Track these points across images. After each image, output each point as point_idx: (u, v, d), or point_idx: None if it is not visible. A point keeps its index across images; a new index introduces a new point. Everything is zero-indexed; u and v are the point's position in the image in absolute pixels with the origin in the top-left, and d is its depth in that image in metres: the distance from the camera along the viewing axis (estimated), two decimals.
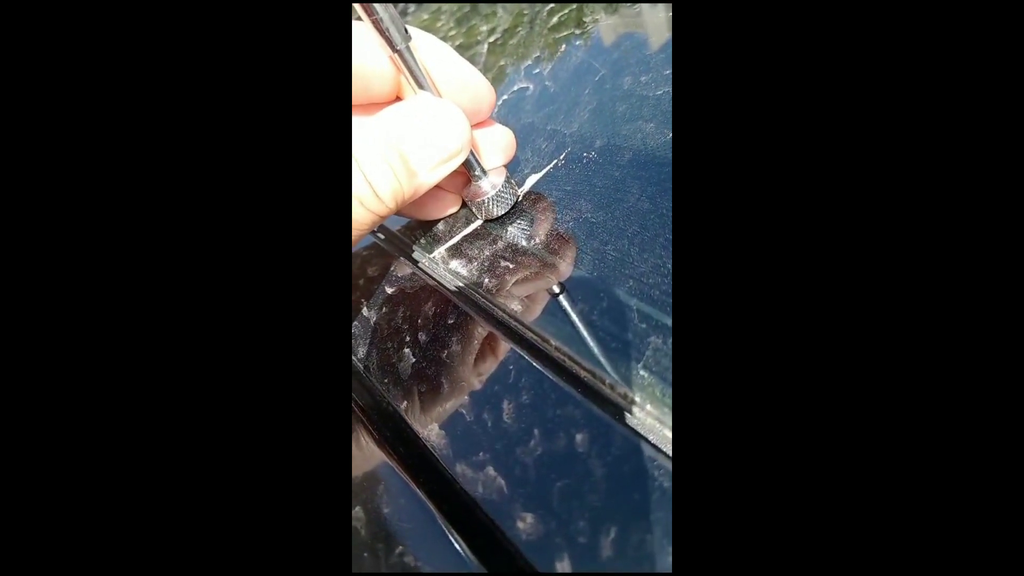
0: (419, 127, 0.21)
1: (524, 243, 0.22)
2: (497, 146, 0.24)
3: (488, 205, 0.23)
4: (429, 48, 0.21)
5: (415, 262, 0.25)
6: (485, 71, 0.35)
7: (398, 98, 0.22)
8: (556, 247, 0.21)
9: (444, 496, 0.17)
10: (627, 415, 0.16)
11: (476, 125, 0.23)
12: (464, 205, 0.25)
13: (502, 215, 0.23)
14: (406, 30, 0.20)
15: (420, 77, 0.21)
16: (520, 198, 0.24)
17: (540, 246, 0.22)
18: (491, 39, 0.38)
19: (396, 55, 0.20)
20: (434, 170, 0.21)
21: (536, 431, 0.17)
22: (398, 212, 0.21)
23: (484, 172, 0.23)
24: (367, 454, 0.20)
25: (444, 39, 0.44)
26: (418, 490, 0.18)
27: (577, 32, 0.32)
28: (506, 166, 0.24)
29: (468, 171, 0.23)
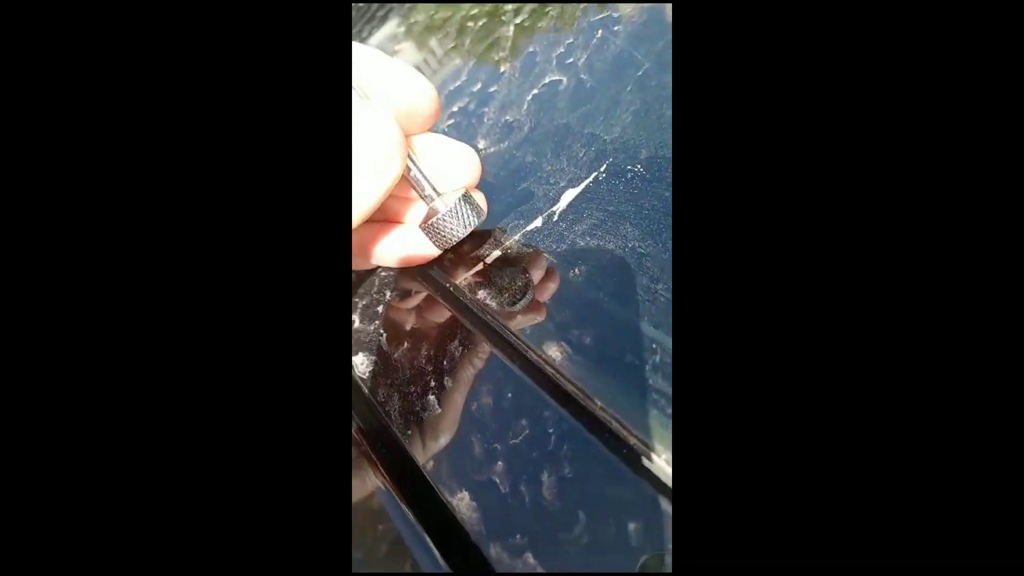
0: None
1: (561, 273, 0.20)
2: (455, 162, 0.20)
3: (439, 227, 0.20)
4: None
5: (438, 288, 0.22)
6: (511, 57, 0.32)
7: None
8: (599, 280, 0.19)
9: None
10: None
11: (420, 136, 0.20)
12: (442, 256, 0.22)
13: (458, 239, 0.21)
14: None
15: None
16: (556, 216, 0.21)
17: (580, 278, 0.19)
18: (517, 20, 0.35)
19: None
20: (363, 186, 0.17)
21: (581, 512, 0.15)
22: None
23: (437, 193, 0.20)
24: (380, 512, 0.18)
25: (465, 17, 0.40)
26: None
27: (615, 15, 0.29)
28: (479, 189, 0.22)
29: (419, 193, 0.20)
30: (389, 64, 0.19)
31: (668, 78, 0.23)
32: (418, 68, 0.42)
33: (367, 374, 0.22)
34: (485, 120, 0.28)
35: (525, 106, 0.27)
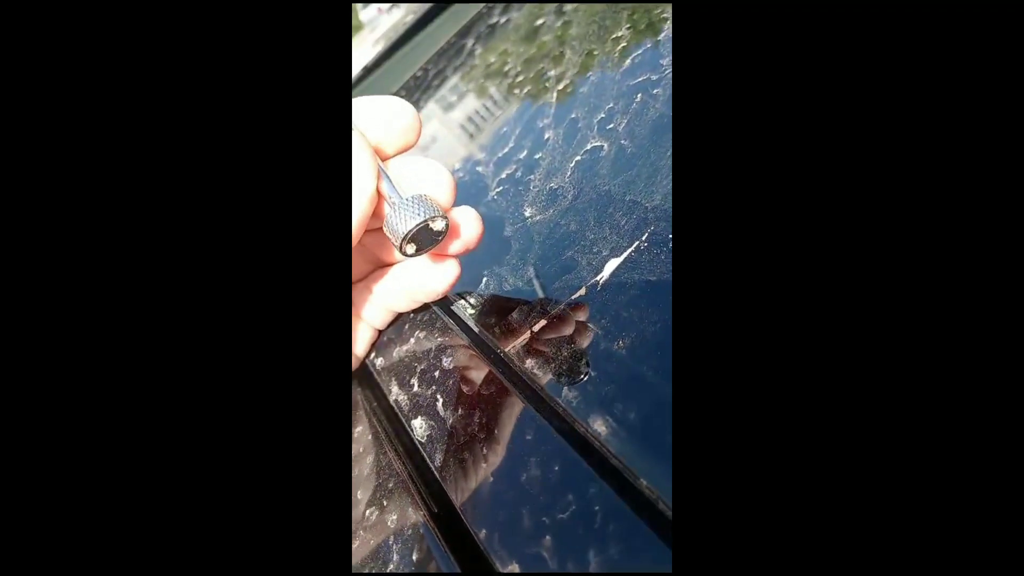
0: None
1: (606, 345, 0.20)
2: (424, 175, 0.22)
3: (391, 221, 0.21)
4: None
5: (489, 356, 0.24)
6: (555, 124, 0.33)
7: None
8: (643, 354, 0.19)
9: None
10: None
11: (398, 157, 0.22)
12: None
13: (406, 232, 0.21)
14: None
15: None
16: (599, 287, 0.22)
17: (624, 351, 0.20)
18: (560, 86, 0.37)
19: None
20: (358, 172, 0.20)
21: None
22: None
23: (402, 198, 0.21)
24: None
25: (512, 84, 0.43)
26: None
27: (653, 78, 0.30)
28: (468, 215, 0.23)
29: (387, 204, 0.22)
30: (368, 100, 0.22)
31: None
32: (465, 133, 0.45)
33: (425, 438, 0.23)
34: (531, 188, 0.30)
35: (568, 173, 0.29)
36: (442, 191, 0.22)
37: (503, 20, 0.57)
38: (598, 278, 0.22)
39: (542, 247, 0.26)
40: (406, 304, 0.26)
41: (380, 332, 0.29)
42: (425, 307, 0.28)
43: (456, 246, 0.24)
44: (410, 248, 0.22)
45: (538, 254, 0.26)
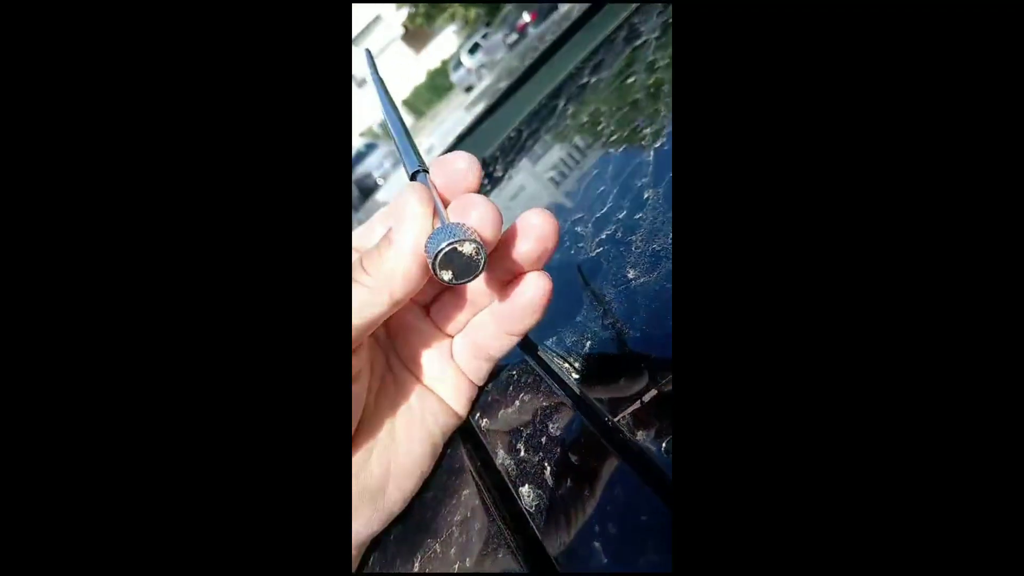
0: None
1: None
2: (470, 211, 0.23)
3: (425, 252, 0.22)
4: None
5: (597, 423, 0.23)
6: (654, 183, 0.33)
7: None
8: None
9: None
10: None
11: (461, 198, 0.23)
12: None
13: (437, 251, 0.22)
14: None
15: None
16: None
17: None
18: (657, 143, 0.37)
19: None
20: (402, 227, 0.22)
21: None
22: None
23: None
24: None
25: (606, 143, 0.44)
26: None
27: None
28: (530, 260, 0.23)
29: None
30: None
31: None
32: (559, 190, 0.46)
33: (532, 507, 0.23)
34: (633, 249, 0.30)
35: (671, 235, 0.28)
36: (484, 219, 0.22)
37: (594, 79, 0.59)
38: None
39: (647, 312, 0.26)
40: (506, 344, 0.27)
41: (482, 388, 0.30)
42: (528, 368, 0.28)
43: (528, 246, 0.23)
44: (445, 274, 0.22)
45: (644, 319, 0.25)
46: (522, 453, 0.26)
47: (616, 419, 0.22)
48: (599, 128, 0.47)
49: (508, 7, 10.60)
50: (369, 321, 0.23)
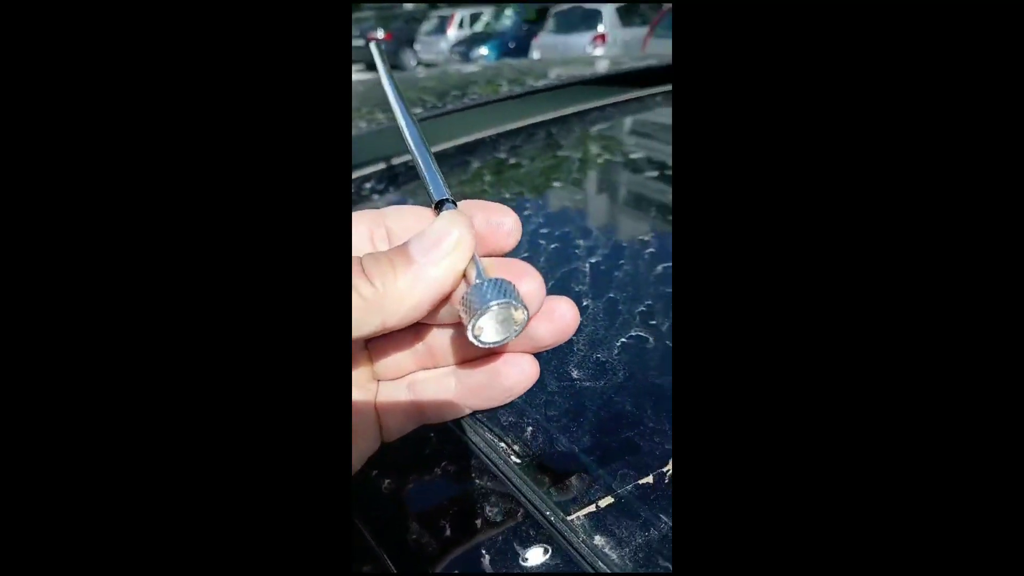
0: (410, 212, 0.23)
1: None
2: (522, 274, 0.21)
3: (469, 299, 0.20)
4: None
5: (534, 509, 0.23)
6: (593, 295, 0.37)
7: None
8: None
9: None
10: None
11: (499, 258, 0.23)
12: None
13: (477, 312, 0.20)
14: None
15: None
16: (666, 479, 0.24)
17: None
18: (592, 259, 0.41)
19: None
20: (430, 255, 0.20)
21: None
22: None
23: (487, 279, 0.21)
24: None
25: (545, 249, 0.47)
26: None
27: None
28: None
29: (469, 280, 0.21)
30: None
31: None
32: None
33: None
34: (575, 351, 0.32)
35: (615, 351, 0.32)
36: (534, 296, 0.21)
37: (512, 160, 0.63)
38: (664, 470, 0.25)
39: (597, 417, 0.28)
40: (457, 414, 0.24)
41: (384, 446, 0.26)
42: (461, 440, 0.27)
43: (547, 330, 0.22)
44: (479, 330, 0.21)
45: (593, 423, 0.27)
46: (447, 532, 0.24)
47: (570, 519, 0.23)
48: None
49: (368, 14, 10.43)
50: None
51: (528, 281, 0.22)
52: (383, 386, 0.25)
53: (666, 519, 0.23)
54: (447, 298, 0.21)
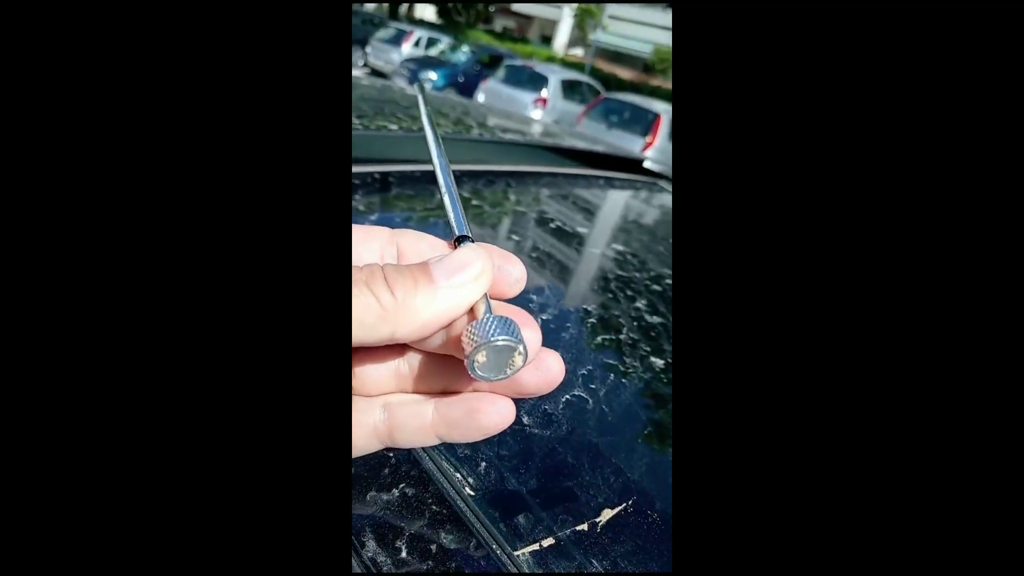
0: (425, 238, 0.24)
1: None
2: (523, 321, 0.23)
3: (475, 330, 0.21)
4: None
5: (484, 542, 0.26)
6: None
7: None
8: None
9: None
10: None
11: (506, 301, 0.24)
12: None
13: (476, 345, 0.21)
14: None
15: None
16: (599, 528, 0.28)
17: None
18: (544, 315, 0.45)
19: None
20: (452, 279, 0.21)
21: None
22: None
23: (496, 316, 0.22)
24: None
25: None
26: None
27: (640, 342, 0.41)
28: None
29: (476, 314, 0.22)
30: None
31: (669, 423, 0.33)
32: None
33: None
34: (525, 399, 0.35)
35: (561, 406, 0.35)
36: (533, 343, 0.22)
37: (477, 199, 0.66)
38: (598, 520, 0.28)
39: (543, 463, 0.31)
40: (425, 442, 0.25)
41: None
42: (420, 465, 0.29)
43: (533, 379, 0.23)
44: (477, 361, 0.21)
45: (539, 467, 0.30)
46: (402, 554, 0.25)
47: (516, 554, 0.26)
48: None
49: None
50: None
51: (528, 330, 0.25)
52: (357, 401, 0.26)
53: (597, 564, 0.26)
54: (448, 325, 0.23)
